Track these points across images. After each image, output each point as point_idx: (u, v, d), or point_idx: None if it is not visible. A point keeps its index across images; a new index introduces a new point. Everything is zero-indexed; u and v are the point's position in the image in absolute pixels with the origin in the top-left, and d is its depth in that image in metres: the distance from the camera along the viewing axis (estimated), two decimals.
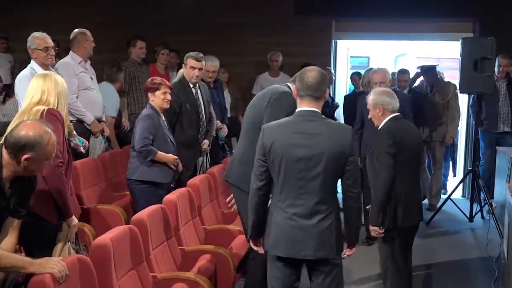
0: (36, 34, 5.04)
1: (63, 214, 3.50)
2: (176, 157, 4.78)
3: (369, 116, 4.27)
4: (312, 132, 3.11)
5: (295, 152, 3.07)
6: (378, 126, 4.18)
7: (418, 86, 7.77)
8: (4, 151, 2.89)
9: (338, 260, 3.23)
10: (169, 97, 4.77)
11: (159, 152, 4.63)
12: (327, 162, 3.06)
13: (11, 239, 3.01)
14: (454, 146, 8.33)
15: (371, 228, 4.02)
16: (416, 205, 4.19)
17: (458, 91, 7.13)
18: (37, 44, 4.93)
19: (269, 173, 3.17)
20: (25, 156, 2.85)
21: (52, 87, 3.64)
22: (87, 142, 4.90)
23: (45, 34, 5.06)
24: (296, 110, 3.21)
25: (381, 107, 4.13)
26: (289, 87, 3.82)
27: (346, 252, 3.33)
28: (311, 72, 3.21)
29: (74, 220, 3.57)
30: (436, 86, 7.42)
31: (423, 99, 7.20)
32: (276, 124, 3.22)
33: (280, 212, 3.14)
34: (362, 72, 7.59)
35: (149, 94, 4.74)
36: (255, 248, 3.40)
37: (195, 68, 5.35)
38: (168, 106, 4.81)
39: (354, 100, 6.56)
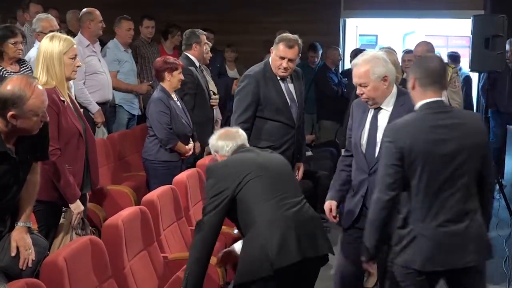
0: (42, 16, 4.98)
1: (65, 199, 3.42)
2: (191, 148, 4.88)
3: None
4: (450, 123, 2.74)
5: (440, 148, 2.69)
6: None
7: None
8: None
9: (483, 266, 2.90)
10: (183, 76, 4.83)
11: (180, 143, 4.74)
12: (474, 155, 2.74)
13: (33, 174, 2.97)
14: None
15: None
16: None
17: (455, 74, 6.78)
18: (42, 27, 4.87)
19: (403, 179, 2.74)
20: (9, 114, 2.64)
21: (38, 57, 3.43)
22: None
23: (50, 16, 5.00)
24: (420, 103, 2.79)
25: None
26: None
27: None
28: (434, 58, 2.89)
29: (79, 207, 3.45)
30: None
31: None
32: (404, 121, 2.80)
33: (426, 222, 2.74)
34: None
35: (166, 74, 4.72)
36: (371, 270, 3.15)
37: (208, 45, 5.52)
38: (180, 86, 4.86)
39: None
